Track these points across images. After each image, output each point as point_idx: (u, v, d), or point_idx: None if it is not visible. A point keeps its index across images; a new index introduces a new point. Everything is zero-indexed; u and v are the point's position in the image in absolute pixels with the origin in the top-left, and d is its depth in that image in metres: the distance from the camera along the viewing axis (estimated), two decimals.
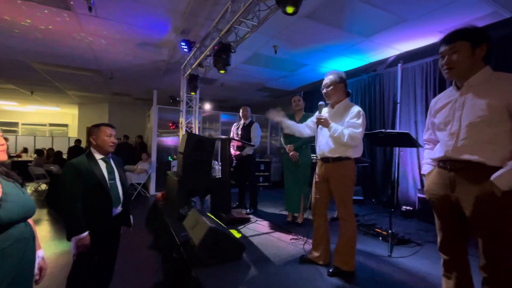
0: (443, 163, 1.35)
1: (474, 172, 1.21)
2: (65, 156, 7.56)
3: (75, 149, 7.31)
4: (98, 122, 1.86)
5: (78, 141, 7.89)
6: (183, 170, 3.43)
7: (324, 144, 2.11)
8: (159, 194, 4.25)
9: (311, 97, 6.23)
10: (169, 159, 5.57)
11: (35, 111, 11.51)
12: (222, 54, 2.81)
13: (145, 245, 3.14)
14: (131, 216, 1.93)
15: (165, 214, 3.49)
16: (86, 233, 1.58)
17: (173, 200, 3.57)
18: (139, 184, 5.89)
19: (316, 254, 2.21)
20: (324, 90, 2.14)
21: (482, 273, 1.22)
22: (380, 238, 2.85)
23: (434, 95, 3.86)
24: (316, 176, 2.21)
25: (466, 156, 1.23)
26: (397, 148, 4.18)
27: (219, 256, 2.14)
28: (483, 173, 1.17)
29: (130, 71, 5.48)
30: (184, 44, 3.58)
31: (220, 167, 3.69)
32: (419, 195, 3.91)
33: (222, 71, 2.91)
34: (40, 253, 1.21)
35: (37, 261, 1.16)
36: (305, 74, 5.53)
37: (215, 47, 2.89)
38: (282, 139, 3.45)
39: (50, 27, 3.47)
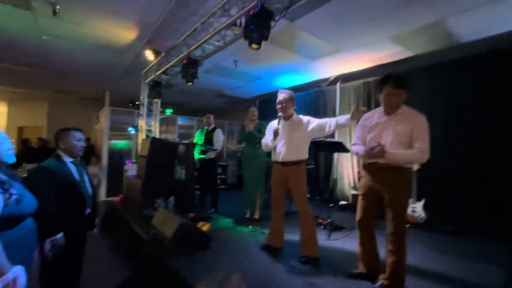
0: (372, 165, 2.01)
1: (391, 169, 1.90)
2: None
3: None
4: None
5: None
6: (146, 173, 3.56)
7: (283, 150, 2.53)
8: (117, 198, 4.22)
9: (266, 106, 6.84)
10: (133, 161, 5.47)
11: None
12: (190, 67, 3.11)
13: (104, 247, 3.17)
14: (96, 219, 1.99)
15: (127, 217, 3.55)
16: (61, 234, 1.59)
17: (135, 203, 3.65)
18: None
19: (272, 239, 2.67)
20: (279, 106, 2.57)
21: (389, 236, 1.89)
22: (321, 226, 3.50)
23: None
24: (274, 176, 2.66)
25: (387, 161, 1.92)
26: (336, 153, 4.99)
27: (190, 247, 2.43)
28: (397, 170, 1.90)
29: (84, 70, 5.24)
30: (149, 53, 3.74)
31: (183, 170, 3.90)
32: (352, 192, 4.77)
33: (190, 83, 3.19)
34: None
35: None
36: (260, 85, 6.10)
37: (184, 61, 3.16)
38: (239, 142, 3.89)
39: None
